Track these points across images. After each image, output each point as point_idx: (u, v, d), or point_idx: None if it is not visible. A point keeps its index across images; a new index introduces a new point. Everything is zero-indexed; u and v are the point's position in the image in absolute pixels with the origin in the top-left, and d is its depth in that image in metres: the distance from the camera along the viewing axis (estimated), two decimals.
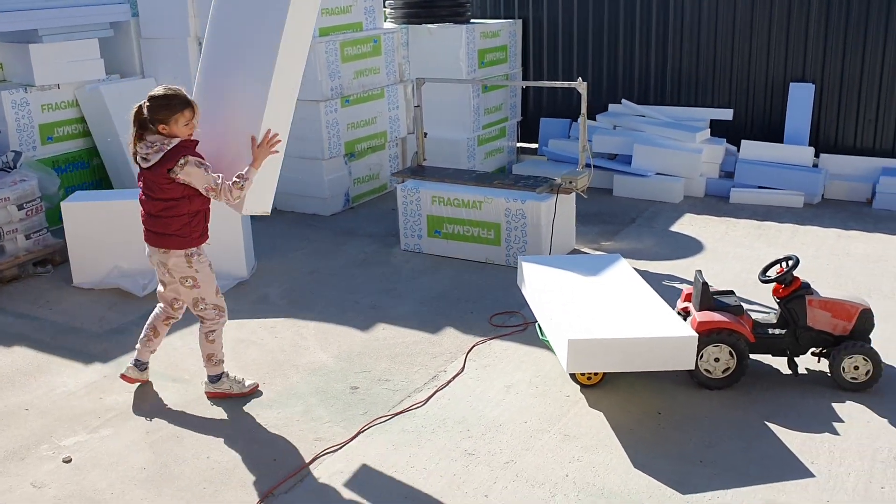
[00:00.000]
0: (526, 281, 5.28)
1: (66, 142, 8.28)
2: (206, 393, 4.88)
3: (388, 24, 9.30)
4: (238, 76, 4.56)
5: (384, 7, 9.70)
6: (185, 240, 4.52)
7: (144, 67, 8.77)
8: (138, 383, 5.03)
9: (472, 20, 9.68)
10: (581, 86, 6.76)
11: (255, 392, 4.90)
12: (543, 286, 5.06)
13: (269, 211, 4.72)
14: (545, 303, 4.83)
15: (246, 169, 4.38)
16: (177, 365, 5.31)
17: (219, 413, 4.71)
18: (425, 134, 7.71)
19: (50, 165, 7.92)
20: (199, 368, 5.22)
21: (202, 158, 4.36)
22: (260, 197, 4.60)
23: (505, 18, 10.01)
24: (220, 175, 4.37)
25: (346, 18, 8.27)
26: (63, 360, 5.42)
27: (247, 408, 4.75)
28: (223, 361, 4.86)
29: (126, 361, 5.34)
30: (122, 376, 5.02)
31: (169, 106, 4.29)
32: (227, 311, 4.84)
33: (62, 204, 6.58)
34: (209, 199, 4.51)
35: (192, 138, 4.40)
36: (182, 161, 4.30)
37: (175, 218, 4.47)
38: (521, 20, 9.94)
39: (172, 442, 4.45)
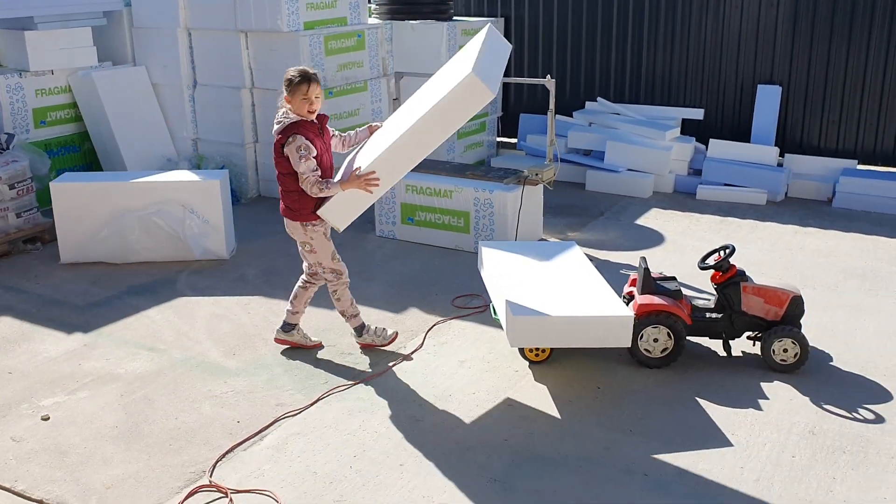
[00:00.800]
0: (484, 264, 5.60)
1: (58, 126, 8.61)
2: (358, 344, 5.36)
3: (373, 20, 9.61)
4: (397, 120, 5.03)
5: (369, 3, 10.02)
6: (296, 213, 4.95)
7: (136, 56, 9.08)
8: (288, 345, 5.40)
9: (454, 18, 10.00)
10: (550, 83, 7.08)
11: (395, 340, 5.37)
12: (499, 269, 5.38)
13: (341, 229, 5.04)
14: (498, 283, 5.15)
15: (336, 181, 4.77)
16: (154, 335, 5.64)
17: (190, 380, 5.04)
18: None
19: (42, 148, 8.25)
20: (174, 339, 5.56)
21: (309, 144, 4.71)
22: (341, 213, 4.91)
23: (487, 16, 10.32)
24: (317, 169, 4.74)
25: (331, 13, 8.58)
26: (47, 330, 5.75)
27: (215, 376, 5.08)
28: (357, 315, 5.29)
29: (106, 332, 5.69)
30: (275, 339, 5.40)
31: (290, 79, 4.75)
32: (346, 273, 5.25)
33: (51, 184, 6.90)
34: (326, 165, 4.91)
35: (311, 118, 4.80)
36: (290, 139, 4.72)
37: (287, 193, 4.92)
38: (502, 18, 10.26)
39: (144, 404, 4.77)
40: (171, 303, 6.18)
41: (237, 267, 6.89)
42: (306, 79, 4.76)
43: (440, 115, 4.60)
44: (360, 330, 5.34)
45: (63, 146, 8.66)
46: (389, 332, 5.40)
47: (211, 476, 4.08)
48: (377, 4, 9.85)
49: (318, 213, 4.91)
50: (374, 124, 5.36)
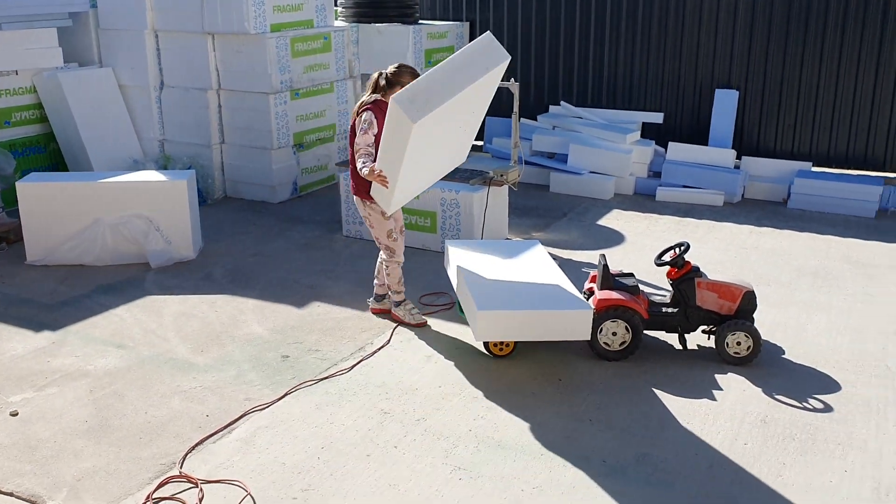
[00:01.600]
0: (450, 261, 5.73)
1: (23, 126, 8.59)
2: (390, 312, 5.87)
3: (339, 23, 9.72)
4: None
5: (336, 6, 10.12)
6: (358, 190, 5.51)
7: (102, 57, 9.08)
8: (383, 313, 5.92)
9: (420, 21, 10.14)
10: (513, 86, 7.24)
11: (422, 326, 5.76)
12: (465, 266, 5.51)
13: (387, 212, 5.46)
14: (464, 280, 5.28)
15: (373, 165, 5.04)
16: (122, 333, 5.68)
17: (159, 376, 5.10)
18: None
19: (7, 149, 8.22)
20: (142, 337, 5.62)
21: (373, 120, 5.17)
22: (385, 197, 5.21)
23: (453, 20, 10.48)
24: (371, 145, 5.15)
25: (297, 15, 8.67)
26: (14, 328, 5.77)
27: (184, 372, 5.14)
28: (401, 293, 5.76)
29: (74, 330, 5.73)
30: (371, 310, 5.95)
31: (397, 70, 5.32)
32: (400, 256, 5.70)
33: (17, 184, 6.90)
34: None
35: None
36: (363, 113, 5.21)
37: (354, 171, 5.35)
38: (468, 23, 10.42)
39: (114, 399, 4.83)
40: (138, 301, 6.23)
41: (204, 266, 6.94)
42: (413, 72, 5.34)
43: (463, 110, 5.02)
44: (398, 304, 5.79)
45: (28, 146, 8.63)
46: (420, 317, 5.80)
47: (181, 467, 4.16)
48: (343, 7, 9.96)
49: (372, 192, 5.29)
50: None
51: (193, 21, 8.48)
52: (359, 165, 5.14)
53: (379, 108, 5.26)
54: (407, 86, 4.81)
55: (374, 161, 5.09)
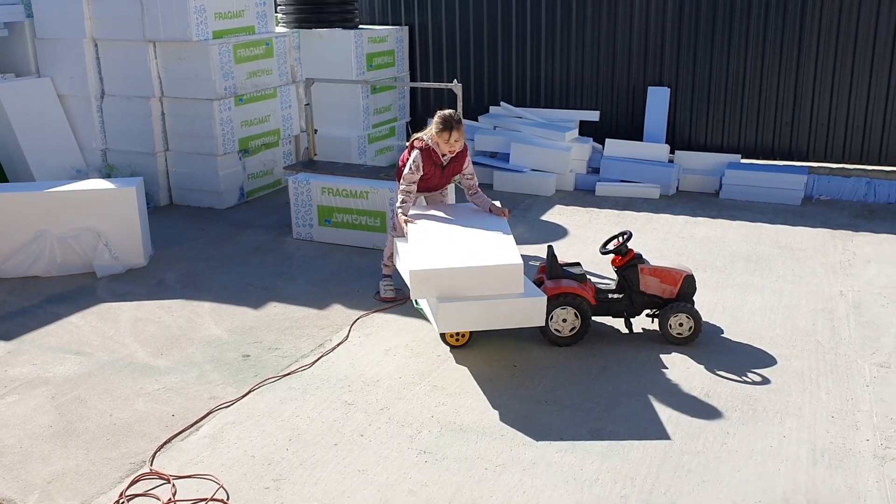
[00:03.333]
0: (400, 254, 5.76)
1: None
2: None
3: (280, 28, 9.80)
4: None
5: (276, 12, 10.20)
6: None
7: (40, 67, 8.99)
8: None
9: (360, 26, 10.29)
10: (456, 87, 7.44)
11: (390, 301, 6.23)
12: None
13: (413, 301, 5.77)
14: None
15: (403, 212, 5.63)
16: (79, 340, 5.70)
17: (120, 380, 5.14)
18: (316, 130, 8.26)
19: None
20: (100, 343, 5.65)
21: (420, 165, 5.66)
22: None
23: (392, 25, 10.66)
24: (412, 185, 5.69)
25: (239, 22, 8.74)
26: None
27: (145, 375, 5.20)
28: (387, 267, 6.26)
29: (29, 340, 5.72)
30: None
31: (440, 122, 5.69)
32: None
33: None
34: (430, 186, 5.87)
35: (442, 151, 5.71)
36: (414, 151, 5.71)
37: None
38: (407, 27, 10.61)
39: (76, 404, 4.86)
40: (92, 309, 6.23)
41: (156, 272, 6.97)
42: (448, 126, 5.62)
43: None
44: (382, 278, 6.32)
45: None
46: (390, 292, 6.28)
47: (151, 465, 4.24)
48: (284, 13, 10.04)
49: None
50: (496, 206, 5.85)
51: (134, 29, 8.47)
52: (398, 195, 5.73)
53: (427, 154, 5.71)
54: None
55: (409, 196, 5.68)
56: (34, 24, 8.91)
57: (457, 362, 5.30)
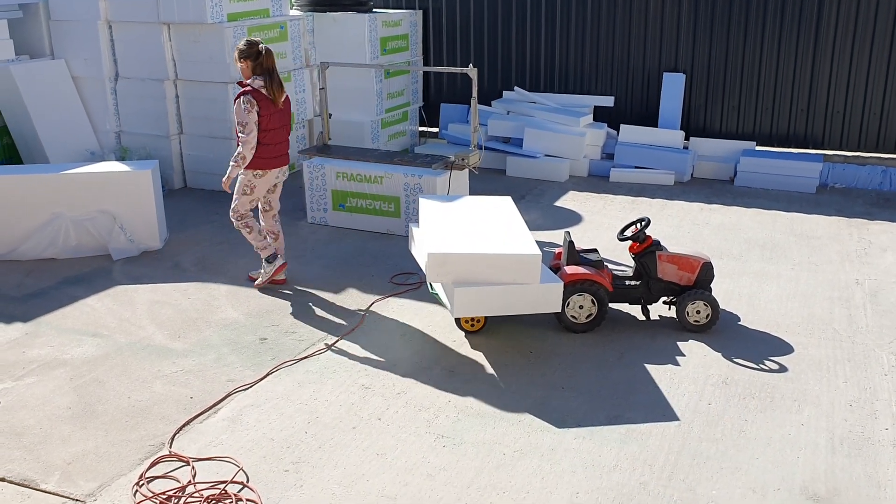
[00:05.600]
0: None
1: None
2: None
3: (295, 12, 9.76)
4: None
5: None
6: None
7: (54, 49, 8.99)
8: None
9: (374, 10, 10.24)
10: (472, 71, 7.41)
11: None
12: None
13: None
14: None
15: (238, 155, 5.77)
16: (96, 322, 5.72)
17: (138, 362, 5.17)
18: (330, 115, 8.24)
19: None
20: (117, 325, 5.67)
21: (250, 106, 5.67)
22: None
23: (406, 9, 10.60)
24: (248, 135, 5.69)
25: (253, 5, 8.71)
26: None
27: (163, 357, 5.22)
28: (263, 250, 6.15)
29: (46, 321, 5.74)
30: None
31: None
32: (244, 219, 6.04)
33: None
34: (268, 133, 5.82)
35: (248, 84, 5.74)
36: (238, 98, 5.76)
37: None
38: (421, 11, 10.55)
39: (95, 386, 4.89)
40: (108, 291, 6.25)
41: (171, 255, 6.98)
42: (248, 56, 5.80)
43: None
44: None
45: None
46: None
47: (171, 447, 4.26)
48: None
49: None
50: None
51: (148, 11, 8.45)
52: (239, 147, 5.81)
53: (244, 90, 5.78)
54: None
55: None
56: (49, 5, 8.88)
57: (472, 348, 5.30)
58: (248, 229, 6.06)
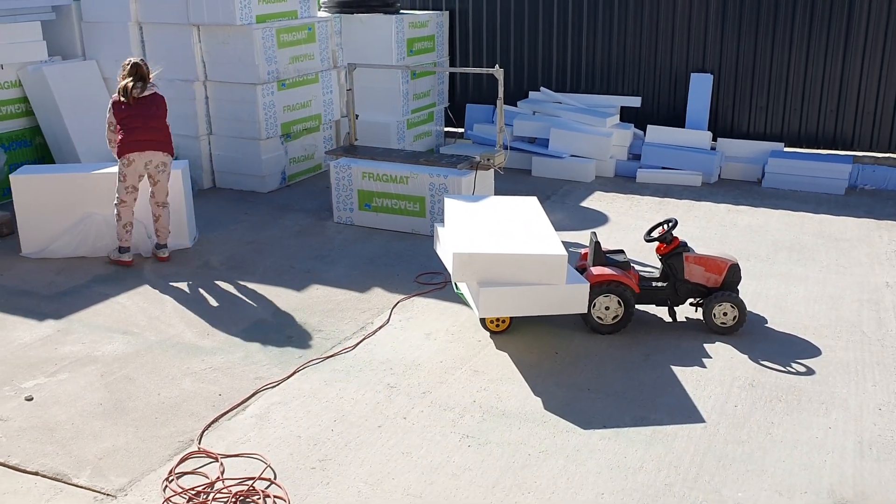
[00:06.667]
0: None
1: (9, 121, 8.60)
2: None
3: (322, 13, 9.83)
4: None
5: None
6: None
7: (86, 50, 9.12)
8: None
9: (401, 11, 10.28)
10: (498, 72, 7.43)
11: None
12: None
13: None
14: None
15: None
16: (126, 320, 5.81)
17: (168, 359, 5.24)
18: (357, 116, 8.29)
19: None
20: (147, 323, 5.75)
21: (112, 112, 6.56)
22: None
23: (433, 10, 10.64)
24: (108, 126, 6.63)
25: (282, 7, 8.78)
26: (18, 318, 5.86)
27: (192, 355, 5.29)
28: (119, 239, 6.77)
29: (78, 319, 5.84)
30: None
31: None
32: (118, 206, 6.68)
33: (11, 177, 6.94)
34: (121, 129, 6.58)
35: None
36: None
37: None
38: (447, 12, 10.58)
39: (125, 383, 4.96)
40: (138, 289, 6.34)
41: (200, 255, 7.07)
42: (128, 75, 6.60)
43: None
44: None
45: (15, 141, 8.66)
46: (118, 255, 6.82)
47: (199, 443, 4.32)
48: None
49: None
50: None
51: (178, 13, 8.55)
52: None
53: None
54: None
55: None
56: (81, 7, 9.03)
57: (497, 348, 5.31)
58: (117, 216, 6.73)
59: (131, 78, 6.57)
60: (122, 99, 6.56)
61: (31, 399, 4.79)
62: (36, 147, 8.88)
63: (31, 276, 6.63)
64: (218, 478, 4.04)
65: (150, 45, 8.85)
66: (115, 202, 6.71)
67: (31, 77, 8.60)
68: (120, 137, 6.54)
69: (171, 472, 4.09)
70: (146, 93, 6.57)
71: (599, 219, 7.94)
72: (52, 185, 6.93)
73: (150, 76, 6.67)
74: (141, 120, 6.56)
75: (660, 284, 5.54)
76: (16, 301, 6.15)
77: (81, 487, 4.00)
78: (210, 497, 3.91)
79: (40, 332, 5.63)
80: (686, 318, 5.69)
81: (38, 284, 6.45)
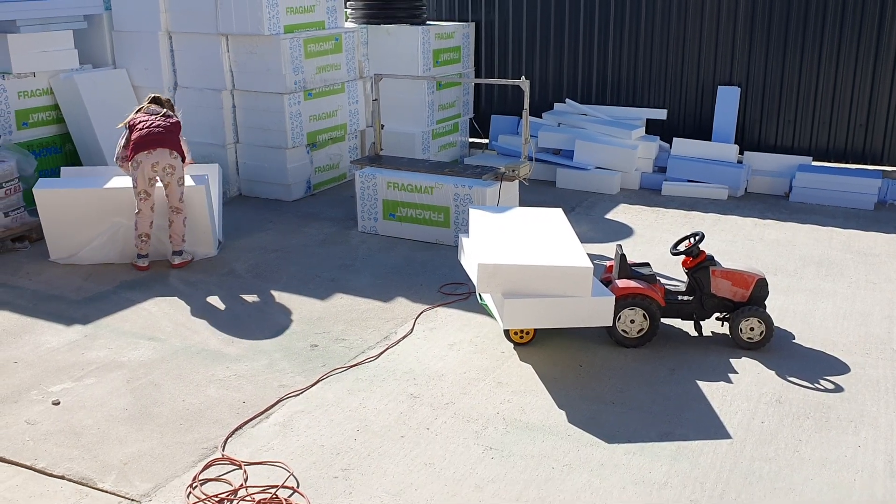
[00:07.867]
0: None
1: (40, 127, 8.73)
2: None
3: (349, 24, 9.89)
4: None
5: (345, 7, 10.30)
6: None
7: (116, 58, 9.24)
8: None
9: (427, 22, 10.33)
10: (524, 83, 7.43)
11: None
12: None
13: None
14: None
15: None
16: (152, 326, 5.85)
17: (192, 366, 5.27)
18: (382, 126, 8.32)
19: (25, 149, 8.35)
20: (173, 329, 5.79)
21: (129, 134, 6.81)
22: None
23: (459, 21, 10.67)
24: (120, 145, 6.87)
25: (309, 17, 8.85)
26: (46, 323, 5.93)
27: (216, 362, 5.32)
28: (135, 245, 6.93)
29: (105, 324, 5.89)
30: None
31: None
32: (136, 215, 6.82)
33: (34, 190, 6.86)
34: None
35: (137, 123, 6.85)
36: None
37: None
38: (473, 23, 10.61)
39: (151, 389, 5.00)
40: (165, 296, 6.39)
41: (226, 262, 7.11)
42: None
43: None
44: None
45: (45, 147, 8.78)
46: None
47: (223, 450, 4.33)
48: (353, 9, 10.13)
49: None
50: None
51: (207, 23, 8.64)
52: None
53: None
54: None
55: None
56: (112, 16, 9.14)
57: (521, 360, 5.29)
58: (135, 226, 6.89)
59: (148, 100, 7.04)
60: (136, 116, 6.92)
61: (58, 403, 4.83)
62: (66, 154, 8.99)
63: (60, 280, 6.70)
64: (241, 485, 4.05)
65: (179, 55, 8.94)
66: (135, 212, 6.84)
67: (63, 85, 8.72)
68: (130, 145, 6.78)
69: (194, 478, 4.11)
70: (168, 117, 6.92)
71: (624, 231, 7.90)
72: (76, 197, 6.93)
73: (174, 110, 7.05)
74: (150, 124, 6.77)
75: (686, 298, 5.49)
76: (44, 305, 6.22)
77: (106, 492, 4.02)
78: None
79: (68, 337, 5.69)
80: (712, 332, 5.64)
81: (66, 289, 6.52)
